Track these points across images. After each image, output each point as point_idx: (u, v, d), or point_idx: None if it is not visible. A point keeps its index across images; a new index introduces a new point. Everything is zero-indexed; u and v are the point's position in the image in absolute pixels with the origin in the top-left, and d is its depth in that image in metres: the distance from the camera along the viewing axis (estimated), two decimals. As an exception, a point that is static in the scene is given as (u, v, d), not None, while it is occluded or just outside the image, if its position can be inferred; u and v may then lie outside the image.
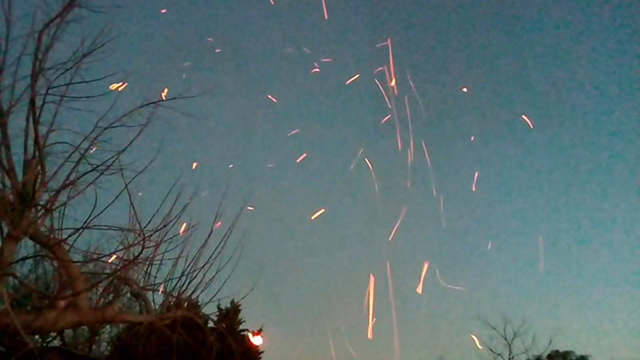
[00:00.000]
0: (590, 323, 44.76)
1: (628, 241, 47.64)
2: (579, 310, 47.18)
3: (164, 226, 7.42)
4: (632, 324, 44.04)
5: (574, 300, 47.29)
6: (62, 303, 6.85)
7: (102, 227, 7.23)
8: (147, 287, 7.82)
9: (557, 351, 37.15)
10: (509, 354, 34.90)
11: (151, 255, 7.55)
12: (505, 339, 35.04)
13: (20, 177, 6.84)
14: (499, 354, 35.00)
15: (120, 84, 7.54)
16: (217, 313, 26.48)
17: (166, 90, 8.07)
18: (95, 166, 7.20)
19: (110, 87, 7.45)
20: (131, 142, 7.27)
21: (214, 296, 8.18)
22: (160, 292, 7.90)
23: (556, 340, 35.27)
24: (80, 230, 7.00)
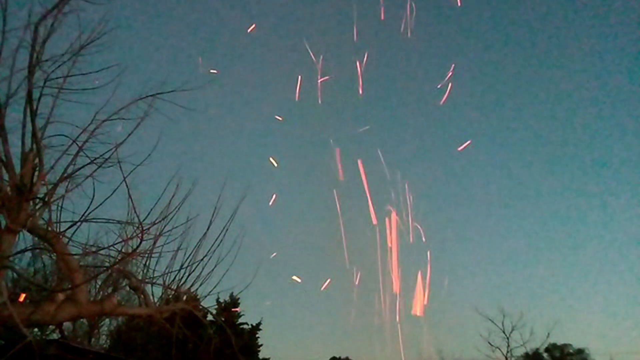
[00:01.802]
0: (588, 317, 45.08)
1: (626, 236, 47.83)
2: (577, 304, 47.45)
3: (163, 219, 7.41)
4: (629, 317, 44.33)
5: (572, 294, 47.53)
6: (60, 296, 6.84)
7: (101, 220, 7.22)
8: (146, 280, 7.81)
9: (554, 344, 37.37)
10: (507, 347, 35.11)
11: (150, 248, 7.54)
12: (504, 332, 35.29)
13: (17, 169, 6.81)
14: (497, 347, 35.23)
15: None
16: (216, 306, 26.57)
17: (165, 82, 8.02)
18: (93, 159, 7.18)
19: None
20: (129, 135, 7.24)
21: (213, 289, 8.18)
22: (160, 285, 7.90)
23: (554, 333, 35.53)
24: (79, 223, 6.98)
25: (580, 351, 37.87)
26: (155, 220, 7.29)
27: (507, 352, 35.11)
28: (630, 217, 46.88)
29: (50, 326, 15.67)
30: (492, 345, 35.34)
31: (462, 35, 49.90)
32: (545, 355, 37.59)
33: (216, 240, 7.88)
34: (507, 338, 35.16)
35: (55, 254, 7.22)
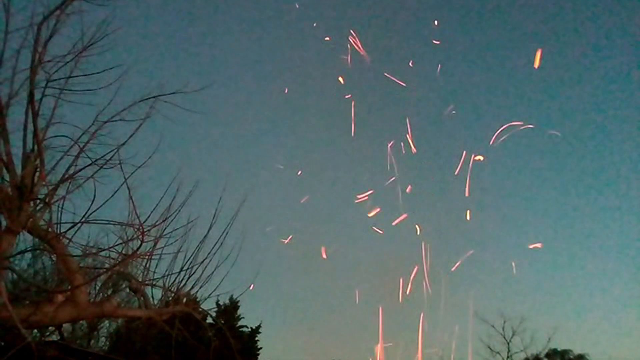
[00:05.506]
0: (589, 322, 44.91)
1: (628, 241, 47.77)
2: (578, 309, 47.32)
3: (163, 221, 7.40)
4: (630, 323, 44.17)
5: (573, 299, 47.43)
6: (60, 297, 6.82)
7: (101, 222, 7.18)
8: (146, 282, 7.79)
9: (555, 350, 37.21)
10: (508, 352, 34.96)
11: (150, 250, 7.53)
12: (504, 337, 35.12)
13: (19, 170, 6.80)
14: (498, 352, 35.09)
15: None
16: (216, 309, 26.53)
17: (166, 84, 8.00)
18: (94, 160, 7.16)
19: None
20: (131, 136, 7.23)
21: (213, 292, 8.18)
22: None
23: (554, 338, 35.36)
24: (79, 224, 6.96)
25: (580, 357, 37.71)
26: (156, 222, 7.29)
27: (508, 357, 34.99)
28: (632, 221, 46.71)
29: (50, 328, 15.63)
30: (492, 350, 35.22)
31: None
32: (545, 360, 37.47)
33: (216, 242, 7.88)
34: (508, 343, 35.03)
35: (55, 255, 7.21)
